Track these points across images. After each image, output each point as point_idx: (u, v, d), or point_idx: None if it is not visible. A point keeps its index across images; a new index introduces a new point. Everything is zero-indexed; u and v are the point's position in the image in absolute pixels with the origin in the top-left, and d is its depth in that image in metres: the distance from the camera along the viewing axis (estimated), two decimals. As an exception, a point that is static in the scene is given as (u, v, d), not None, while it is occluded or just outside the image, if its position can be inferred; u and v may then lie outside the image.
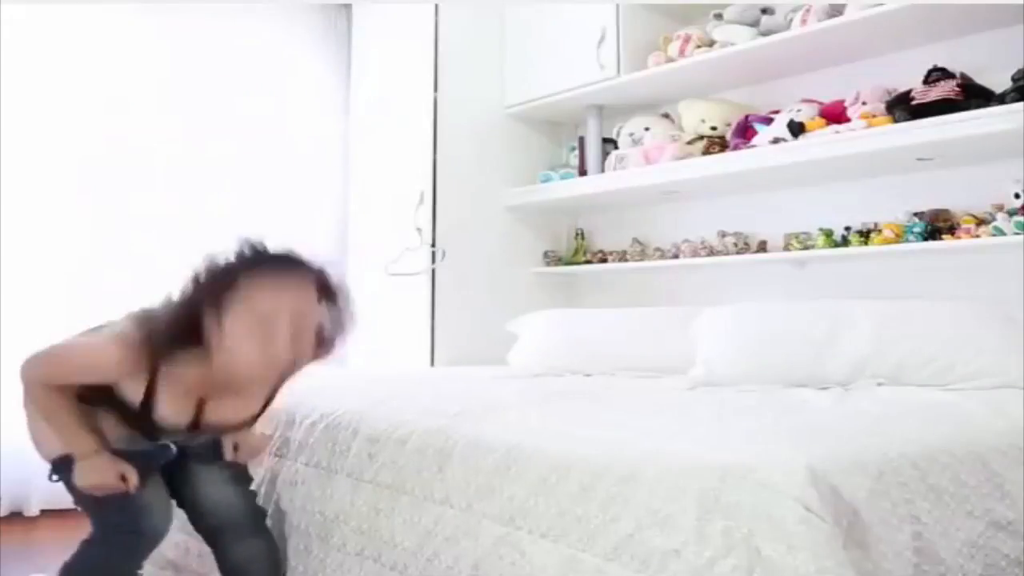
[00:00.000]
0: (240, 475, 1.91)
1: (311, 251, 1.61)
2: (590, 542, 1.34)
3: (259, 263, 1.55)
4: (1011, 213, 2.31)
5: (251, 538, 1.87)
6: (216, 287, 1.52)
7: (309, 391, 2.27)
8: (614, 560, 1.29)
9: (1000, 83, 2.27)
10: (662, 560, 1.23)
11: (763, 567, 1.14)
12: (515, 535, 1.46)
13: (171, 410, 1.64)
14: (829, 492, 1.22)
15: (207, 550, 1.96)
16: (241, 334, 1.51)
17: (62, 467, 1.68)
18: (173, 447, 1.84)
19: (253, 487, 1.96)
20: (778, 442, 1.37)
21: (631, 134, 3.25)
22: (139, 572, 1.75)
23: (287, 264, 1.58)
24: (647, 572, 1.24)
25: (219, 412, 1.70)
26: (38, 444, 1.73)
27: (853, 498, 1.26)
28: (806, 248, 2.79)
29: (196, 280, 1.53)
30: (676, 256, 3.20)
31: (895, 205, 2.62)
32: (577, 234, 3.72)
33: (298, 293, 1.56)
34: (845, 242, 2.69)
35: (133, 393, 1.62)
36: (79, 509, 1.75)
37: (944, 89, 2.31)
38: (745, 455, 1.27)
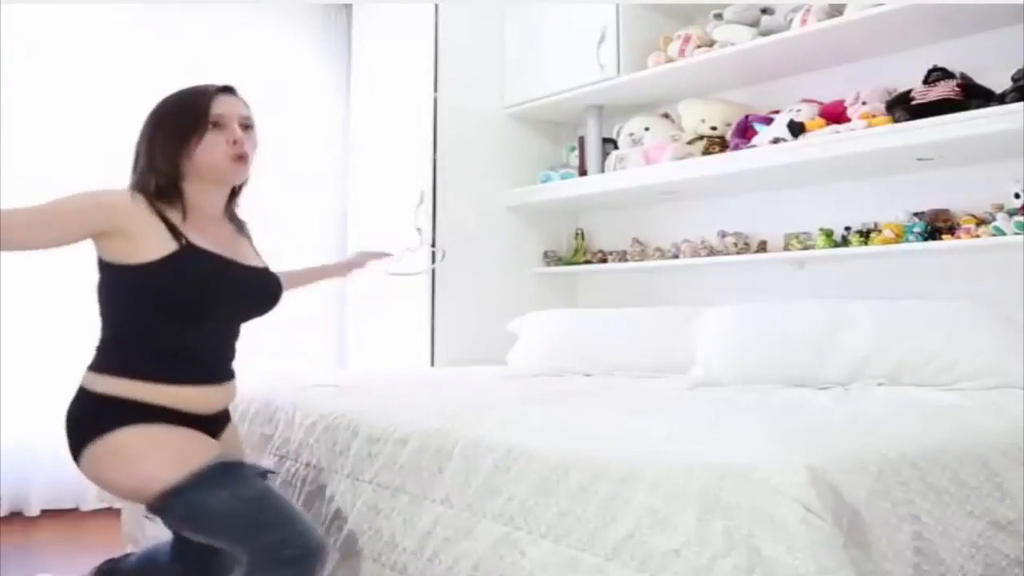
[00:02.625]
0: None
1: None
2: (590, 542, 1.34)
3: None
4: (1011, 213, 2.31)
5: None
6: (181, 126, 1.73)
7: (309, 391, 2.27)
8: (614, 560, 1.29)
9: (1000, 83, 2.27)
10: (662, 560, 1.23)
11: (763, 567, 1.13)
12: (515, 535, 1.46)
13: (199, 235, 1.71)
14: (829, 492, 1.22)
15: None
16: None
17: (174, 499, 1.59)
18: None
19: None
20: (778, 442, 1.37)
21: (631, 134, 3.25)
22: None
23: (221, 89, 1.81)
24: (647, 572, 1.24)
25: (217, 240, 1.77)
26: (146, 482, 1.60)
27: (853, 498, 1.26)
28: (806, 248, 2.79)
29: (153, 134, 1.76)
30: (676, 256, 3.20)
31: (895, 205, 2.62)
32: (577, 234, 3.72)
33: (238, 102, 1.81)
34: (845, 242, 2.69)
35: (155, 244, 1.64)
36: (220, 542, 1.63)
37: (944, 89, 2.31)
38: (745, 455, 1.27)
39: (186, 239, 1.68)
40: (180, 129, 1.72)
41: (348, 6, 4.05)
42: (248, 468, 1.71)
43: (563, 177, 3.48)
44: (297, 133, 3.95)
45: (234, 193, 1.88)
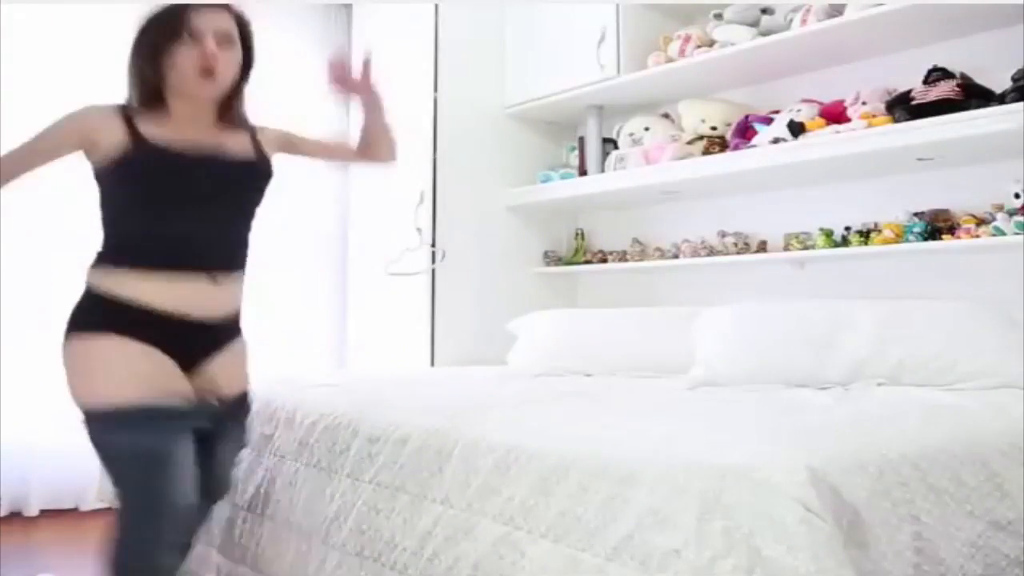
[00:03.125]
0: (240, 452, 1.95)
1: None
2: (590, 542, 1.34)
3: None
4: (1011, 213, 2.31)
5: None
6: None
7: (309, 391, 2.27)
8: (614, 560, 1.29)
9: (1000, 83, 2.27)
10: (662, 560, 1.23)
11: (763, 567, 1.14)
12: (515, 535, 1.46)
13: (158, 130, 1.71)
14: (829, 492, 1.22)
15: (207, 550, 1.96)
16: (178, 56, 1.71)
17: (85, 424, 1.63)
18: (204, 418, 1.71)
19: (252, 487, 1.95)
20: (778, 442, 1.37)
21: (631, 134, 3.25)
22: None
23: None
24: (647, 572, 1.24)
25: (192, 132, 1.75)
26: (76, 396, 1.64)
27: (853, 498, 1.26)
28: (806, 248, 2.79)
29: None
30: (676, 256, 3.20)
31: (895, 205, 2.62)
32: (577, 234, 3.72)
33: (217, 15, 1.75)
34: (845, 242, 2.69)
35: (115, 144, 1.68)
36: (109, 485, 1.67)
37: (944, 89, 2.31)
38: (745, 455, 1.27)
39: (141, 137, 1.70)
40: (155, 40, 1.73)
41: (348, 6, 4.05)
42: (176, 425, 1.62)
43: (563, 177, 3.48)
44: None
45: (231, 103, 1.83)
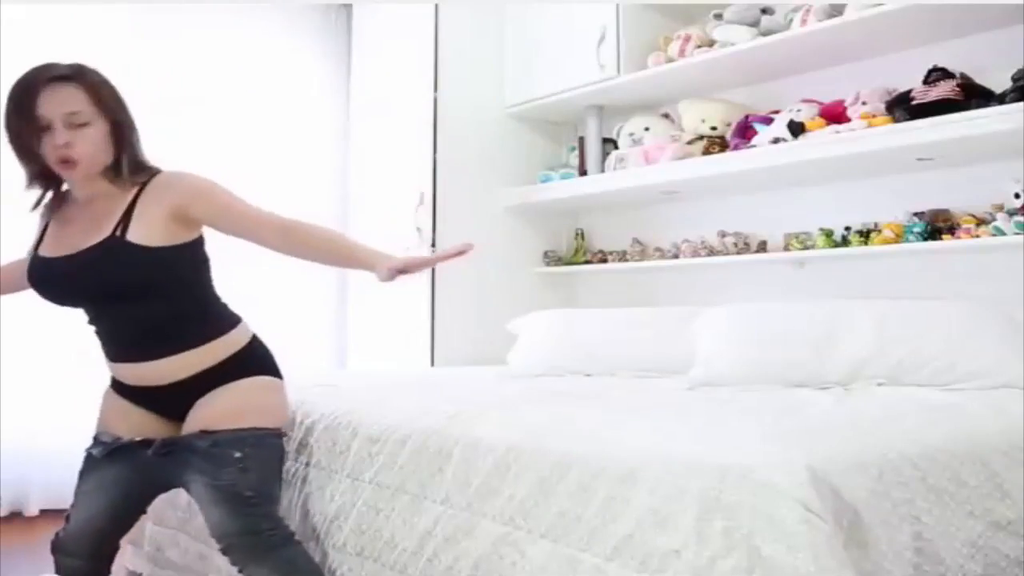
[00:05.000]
0: (229, 493, 1.69)
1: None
2: (590, 542, 1.34)
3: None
4: (1011, 213, 2.31)
5: (254, 566, 1.67)
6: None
7: (309, 391, 2.27)
8: (614, 560, 1.29)
9: (1000, 83, 2.27)
10: (662, 560, 1.23)
11: (763, 567, 1.14)
12: (515, 535, 1.46)
13: (52, 234, 1.78)
14: (829, 492, 1.22)
15: (208, 551, 1.96)
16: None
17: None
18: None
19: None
20: (778, 442, 1.37)
21: (631, 134, 3.25)
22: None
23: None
24: (647, 572, 1.24)
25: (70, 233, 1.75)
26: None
27: (853, 498, 1.26)
28: (806, 248, 2.79)
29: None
30: (676, 256, 3.20)
31: (895, 205, 2.62)
32: (577, 234, 3.72)
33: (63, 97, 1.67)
34: (845, 242, 2.69)
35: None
36: None
37: (944, 89, 2.31)
38: (745, 455, 1.27)
39: (35, 248, 1.80)
40: (14, 134, 1.69)
41: (348, 6, 4.05)
42: (90, 453, 1.83)
43: (563, 177, 3.48)
44: (297, 133, 3.95)
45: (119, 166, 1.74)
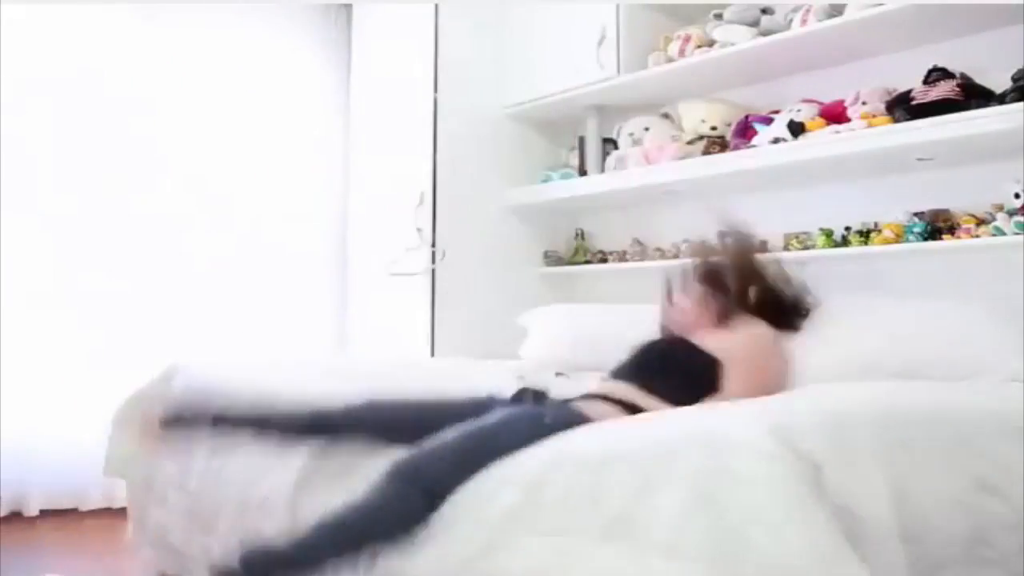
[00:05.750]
0: None
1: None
2: (579, 529, 1.32)
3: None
4: (1011, 213, 2.31)
5: None
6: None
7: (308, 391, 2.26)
8: (603, 545, 1.28)
9: (1000, 83, 2.27)
10: (644, 533, 1.20)
11: (737, 533, 1.12)
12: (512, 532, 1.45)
13: None
14: (797, 449, 1.22)
15: (209, 541, 1.96)
16: None
17: None
18: None
19: None
20: (749, 413, 1.39)
21: (631, 134, 3.25)
22: None
23: None
24: (637, 549, 1.21)
25: None
26: None
27: (821, 450, 1.25)
28: (806, 248, 2.79)
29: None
30: (676, 256, 3.20)
31: (895, 205, 2.62)
32: (577, 234, 3.72)
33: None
34: (845, 242, 2.69)
35: None
36: None
37: (944, 89, 2.31)
38: (714, 423, 1.30)
39: None
40: None
41: (348, 6, 4.05)
42: None
43: (563, 177, 3.48)
44: (297, 133, 3.95)
45: None
